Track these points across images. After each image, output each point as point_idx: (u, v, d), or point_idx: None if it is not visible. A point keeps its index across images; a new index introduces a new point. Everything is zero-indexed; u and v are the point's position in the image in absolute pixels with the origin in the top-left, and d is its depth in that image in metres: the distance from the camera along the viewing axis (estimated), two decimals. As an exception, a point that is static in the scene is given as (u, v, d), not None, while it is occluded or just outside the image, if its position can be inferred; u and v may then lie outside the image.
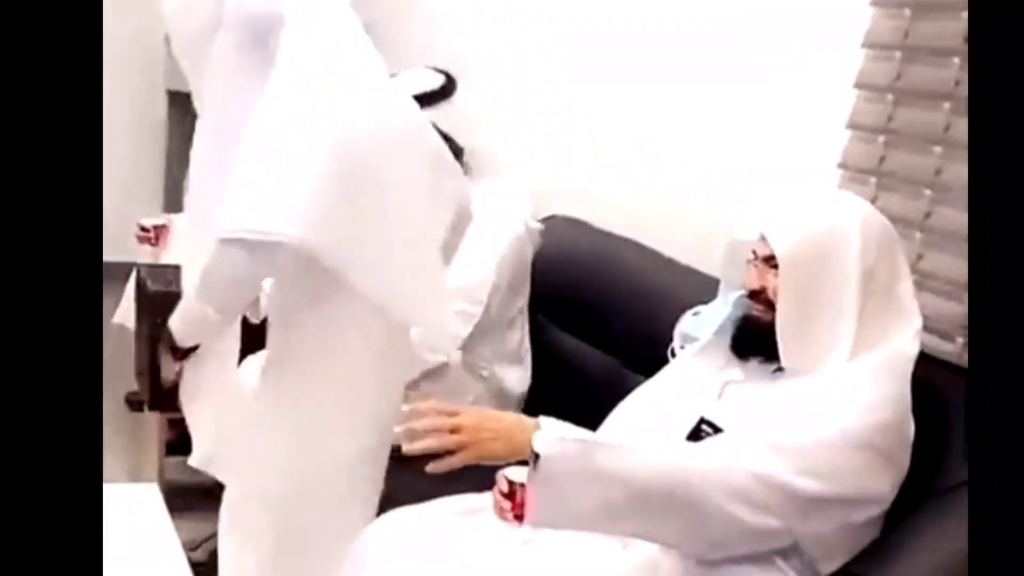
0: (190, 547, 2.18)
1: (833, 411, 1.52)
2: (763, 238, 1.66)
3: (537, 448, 1.42)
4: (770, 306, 1.64)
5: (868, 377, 1.55)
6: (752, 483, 1.45)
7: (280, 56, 1.67)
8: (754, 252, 1.69)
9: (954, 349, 1.79)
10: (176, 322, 1.86)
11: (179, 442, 2.62)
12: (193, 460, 2.45)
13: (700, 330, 1.80)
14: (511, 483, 1.79)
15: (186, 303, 1.85)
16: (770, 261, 1.64)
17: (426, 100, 2.40)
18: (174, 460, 2.43)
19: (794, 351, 1.61)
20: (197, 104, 1.83)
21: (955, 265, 1.79)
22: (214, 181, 1.71)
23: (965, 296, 1.77)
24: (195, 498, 1.99)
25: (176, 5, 1.80)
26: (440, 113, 2.40)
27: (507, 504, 1.78)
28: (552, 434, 1.45)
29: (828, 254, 1.60)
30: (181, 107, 3.38)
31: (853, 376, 1.55)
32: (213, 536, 2.29)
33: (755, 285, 1.67)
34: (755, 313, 1.68)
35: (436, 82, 2.46)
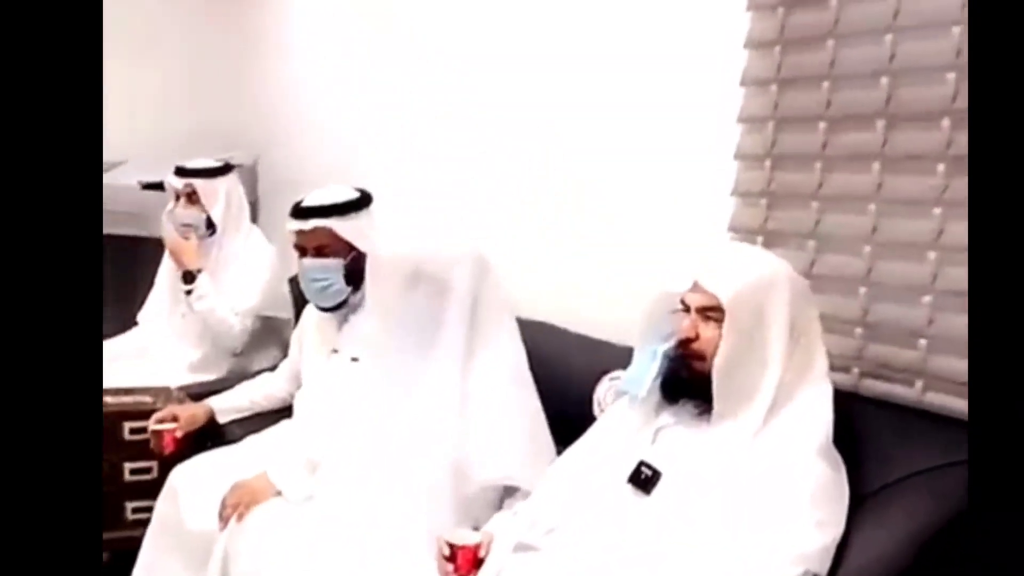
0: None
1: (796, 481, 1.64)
2: (698, 288, 1.76)
3: None
4: (699, 355, 1.76)
5: (812, 454, 1.66)
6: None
7: None
8: (683, 302, 1.80)
9: (849, 379, 1.99)
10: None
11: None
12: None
13: (635, 386, 1.86)
14: (452, 546, 1.87)
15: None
16: (704, 311, 1.76)
17: (334, 211, 2.53)
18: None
19: (725, 395, 1.73)
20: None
21: (842, 304, 2.00)
22: None
23: (854, 330, 1.99)
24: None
25: None
26: (344, 222, 2.54)
27: (450, 567, 1.86)
28: None
29: (764, 302, 1.73)
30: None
31: (793, 449, 1.67)
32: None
33: (691, 333, 1.77)
34: (686, 359, 1.78)
35: (349, 196, 2.59)
